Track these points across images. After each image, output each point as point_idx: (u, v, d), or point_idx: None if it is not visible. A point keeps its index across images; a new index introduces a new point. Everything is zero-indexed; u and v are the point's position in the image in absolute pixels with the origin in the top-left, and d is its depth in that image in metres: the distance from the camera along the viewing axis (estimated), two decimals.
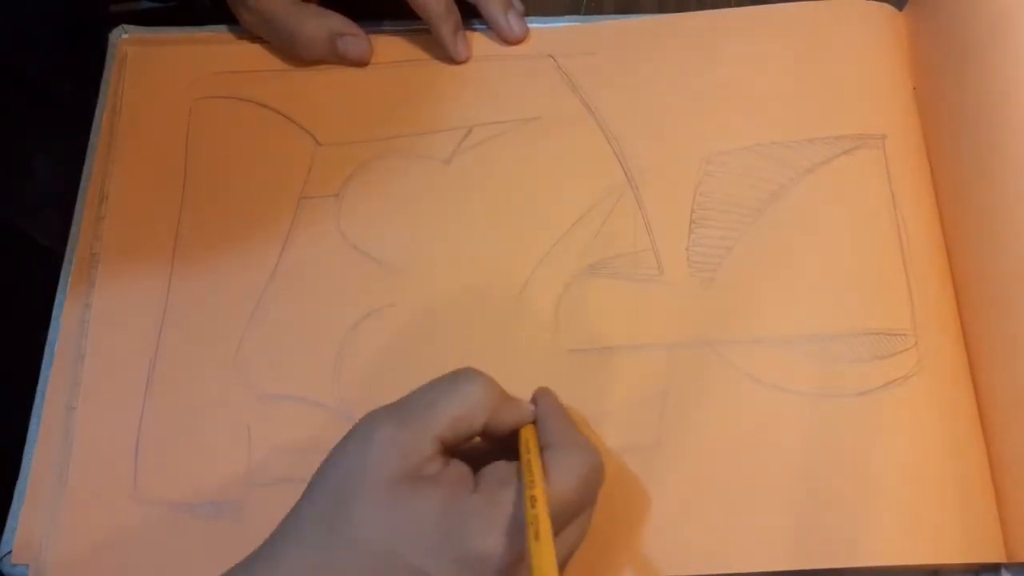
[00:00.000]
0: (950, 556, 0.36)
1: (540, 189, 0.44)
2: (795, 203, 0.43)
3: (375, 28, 0.48)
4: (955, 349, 0.40)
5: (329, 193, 0.45)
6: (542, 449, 0.32)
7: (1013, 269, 0.37)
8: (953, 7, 0.42)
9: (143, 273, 0.43)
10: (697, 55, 0.46)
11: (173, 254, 0.44)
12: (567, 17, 0.48)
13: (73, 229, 0.44)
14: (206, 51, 0.48)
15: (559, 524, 0.31)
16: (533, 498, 0.29)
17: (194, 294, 0.43)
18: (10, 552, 0.39)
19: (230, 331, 0.42)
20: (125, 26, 0.49)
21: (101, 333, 0.42)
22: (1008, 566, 0.37)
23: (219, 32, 0.49)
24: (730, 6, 0.48)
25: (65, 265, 0.44)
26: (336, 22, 0.46)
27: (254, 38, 0.48)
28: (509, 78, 0.47)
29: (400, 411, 0.32)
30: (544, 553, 0.27)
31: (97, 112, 0.47)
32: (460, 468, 0.32)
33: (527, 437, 0.33)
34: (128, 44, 0.48)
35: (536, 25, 0.48)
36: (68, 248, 0.44)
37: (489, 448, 0.33)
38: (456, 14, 0.46)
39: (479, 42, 0.48)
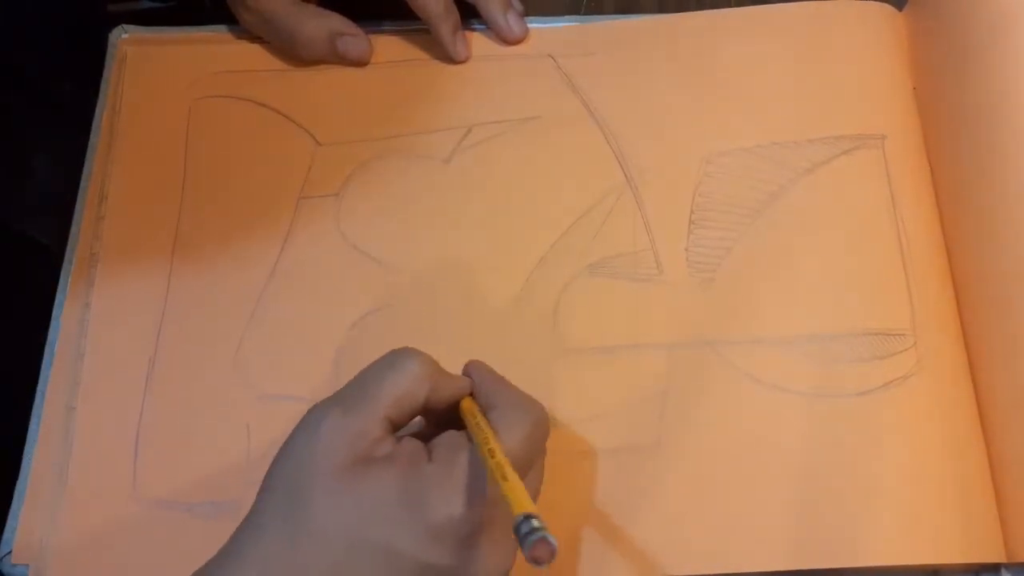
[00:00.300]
0: (950, 556, 0.37)
1: (539, 189, 0.44)
2: (795, 203, 0.43)
3: (375, 28, 0.48)
4: (955, 349, 0.40)
5: (329, 193, 0.45)
6: (485, 413, 0.33)
7: (1013, 269, 0.37)
8: (953, 7, 0.42)
9: (143, 273, 0.43)
10: (697, 55, 0.46)
11: (173, 254, 0.44)
12: (567, 17, 0.48)
13: (73, 229, 0.44)
14: (206, 51, 0.48)
15: None
16: (491, 451, 0.30)
17: (194, 294, 0.43)
18: (10, 552, 0.39)
19: (230, 331, 0.42)
20: (125, 26, 0.49)
21: (101, 333, 0.42)
22: (1008, 566, 0.37)
23: (219, 32, 0.49)
24: (730, 6, 0.48)
25: (65, 265, 0.44)
26: (336, 22, 0.46)
27: (254, 38, 0.48)
28: (508, 78, 0.47)
29: (344, 398, 0.32)
30: (516, 487, 0.28)
31: (97, 112, 0.47)
32: (412, 443, 0.32)
33: (468, 406, 0.33)
34: (128, 44, 0.48)
35: (536, 25, 0.48)
36: (68, 248, 0.44)
37: (433, 432, 0.33)
38: (455, 14, 0.46)
39: (478, 42, 0.48)
